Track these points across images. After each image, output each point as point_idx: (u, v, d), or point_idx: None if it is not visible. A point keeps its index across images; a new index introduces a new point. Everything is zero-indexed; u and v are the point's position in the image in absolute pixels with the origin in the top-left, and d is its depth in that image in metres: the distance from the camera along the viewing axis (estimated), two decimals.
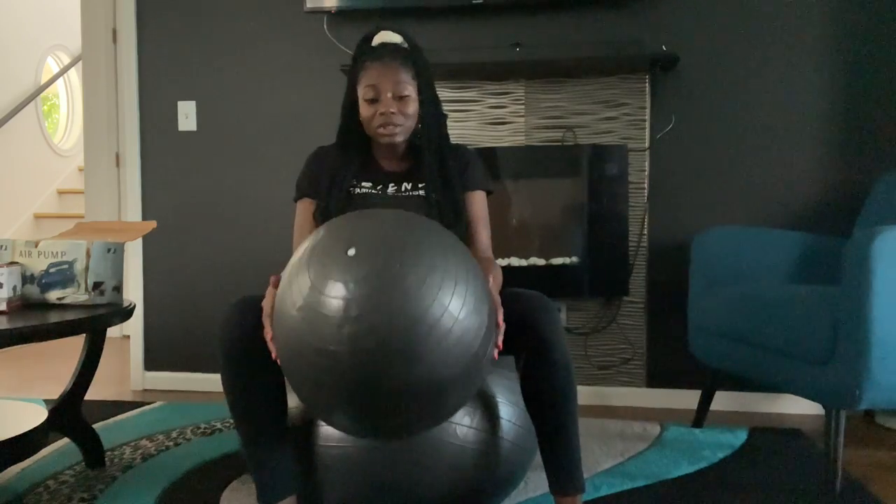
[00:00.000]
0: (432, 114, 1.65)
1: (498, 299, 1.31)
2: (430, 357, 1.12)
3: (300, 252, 1.22)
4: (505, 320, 1.32)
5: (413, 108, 1.59)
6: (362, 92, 1.59)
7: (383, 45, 1.61)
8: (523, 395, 1.48)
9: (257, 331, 1.36)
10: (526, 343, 1.40)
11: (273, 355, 1.27)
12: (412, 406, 1.15)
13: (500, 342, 1.28)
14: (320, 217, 1.62)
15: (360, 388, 1.13)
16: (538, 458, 1.72)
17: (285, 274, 1.22)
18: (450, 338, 1.12)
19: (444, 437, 1.45)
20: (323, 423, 1.47)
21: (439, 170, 1.64)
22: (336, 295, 1.10)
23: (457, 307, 1.13)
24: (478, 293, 1.20)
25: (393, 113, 1.56)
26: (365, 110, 1.60)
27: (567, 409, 1.44)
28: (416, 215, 1.27)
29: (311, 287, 1.13)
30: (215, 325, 2.92)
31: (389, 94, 1.56)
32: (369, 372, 1.10)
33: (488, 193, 1.73)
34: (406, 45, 1.62)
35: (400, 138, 1.60)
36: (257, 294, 1.46)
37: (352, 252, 1.12)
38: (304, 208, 1.68)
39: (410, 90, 1.58)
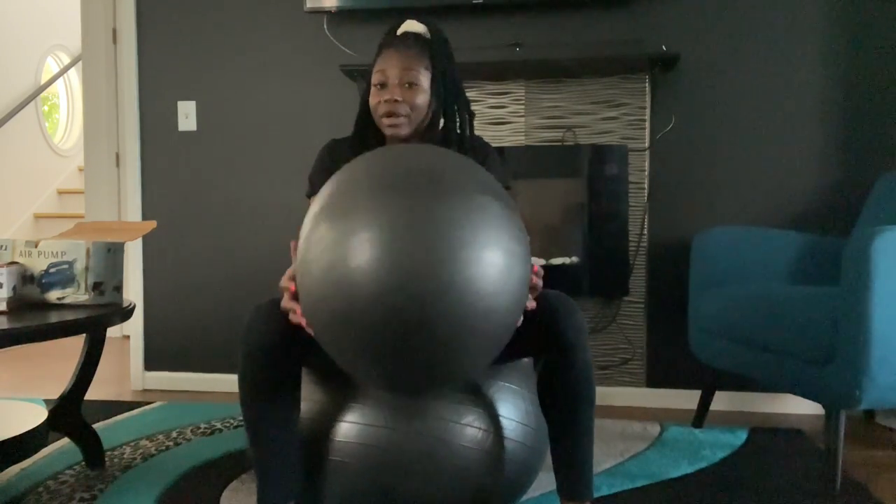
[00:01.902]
0: (452, 107, 1.58)
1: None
2: (464, 312, 1.06)
3: (319, 202, 1.16)
4: (527, 319, 1.28)
5: (422, 98, 1.51)
6: (373, 77, 1.52)
7: (404, 34, 1.54)
8: (540, 397, 1.45)
9: (279, 339, 1.33)
10: (547, 344, 1.36)
11: (301, 320, 1.25)
12: (441, 362, 1.11)
13: (532, 305, 1.26)
14: None
15: (388, 343, 1.08)
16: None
17: (304, 226, 1.16)
18: (486, 292, 1.08)
19: (453, 442, 1.43)
20: (333, 431, 1.46)
21: None
22: (363, 248, 1.06)
23: (498, 258, 1.09)
24: (517, 244, 1.15)
25: (398, 101, 1.49)
26: (373, 97, 1.53)
27: (584, 414, 1.40)
28: (446, 151, 1.20)
29: (334, 240, 1.08)
30: (220, 329, 2.93)
31: (396, 81, 1.49)
32: (401, 327, 1.06)
33: (506, 189, 1.67)
34: (428, 36, 1.55)
35: (404, 131, 1.52)
36: (267, 292, 1.44)
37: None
38: None
39: (421, 80, 1.50)
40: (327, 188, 1.18)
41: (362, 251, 1.06)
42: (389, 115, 1.51)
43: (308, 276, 1.14)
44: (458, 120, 1.59)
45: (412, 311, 1.06)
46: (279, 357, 1.34)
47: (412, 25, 1.56)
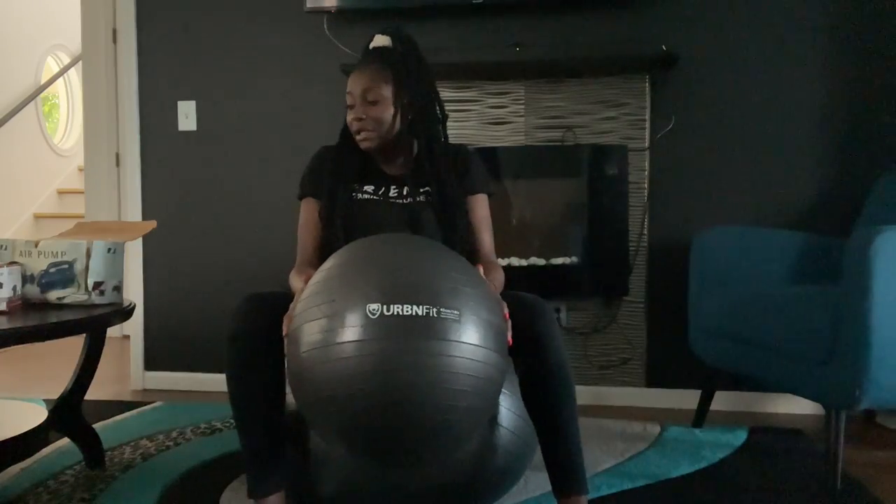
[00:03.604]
0: (423, 116, 1.64)
1: (504, 306, 1.33)
2: (452, 402, 1.12)
3: (315, 281, 1.22)
4: None
5: (387, 112, 1.60)
6: (347, 98, 1.64)
7: (370, 51, 1.65)
8: (523, 397, 1.48)
9: (265, 326, 1.38)
10: (522, 346, 1.40)
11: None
12: (432, 448, 1.16)
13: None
14: (324, 221, 1.64)
15: (375, 435, 1.13)
16: (540, 458, 1.71)
17: (301, 302, 1.22)
18: (473, 380, 1.13)
19: None
20: None
21: (439, 172, 1.64)
22: (347, 339, 1.11)
23: (479, 344, 1.14)
24: (495, 319, 1.20)
25: (362, 119, 1.60)
26: (347, 116, 1.64)
27: (566, 410, 1.44)
28: (421, 243, 1.27)
29: (325, 328, 1.14)
30: (220, 329, 2.92)
31: (360, 100, 1.60)
32: (385, 422, 1.11)
33: (489, 196, 1.73)
34: (391, 47, 1.64)
35: (371, 144, 1.62)
36: (267, 290, 1.48)
37: (374, 308, 1.12)
38: (309, 207, 1.69)
39: (381, 94, 1.59)
40: (322, 271, 1.24)
41: (347, 344, 1.11)
42: (358, 131, 1.62)
43: (295, 354, 1.19)
44: (430, 125, 1.66)
45: (394, 404, 1.10)
46: (263, 341, 1.38)
47: (379, 40, 1.66)
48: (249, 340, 1.39)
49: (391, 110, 1.60)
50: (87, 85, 3.98)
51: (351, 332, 1.11)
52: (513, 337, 1.38)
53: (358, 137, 1.62)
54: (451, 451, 1.22)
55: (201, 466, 2.00)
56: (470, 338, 1.14)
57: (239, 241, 2.92)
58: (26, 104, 5.18)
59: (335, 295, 1.16)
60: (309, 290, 1.23)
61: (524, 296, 1.46)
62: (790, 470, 1.98)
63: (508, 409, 1.54)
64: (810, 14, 2.57)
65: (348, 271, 1.20)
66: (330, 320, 1.14)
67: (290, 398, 1.51)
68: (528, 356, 1.42)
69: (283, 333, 1.28)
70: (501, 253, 2.65)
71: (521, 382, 1.47)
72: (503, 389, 1.56)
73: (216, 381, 2.92)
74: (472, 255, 1.65)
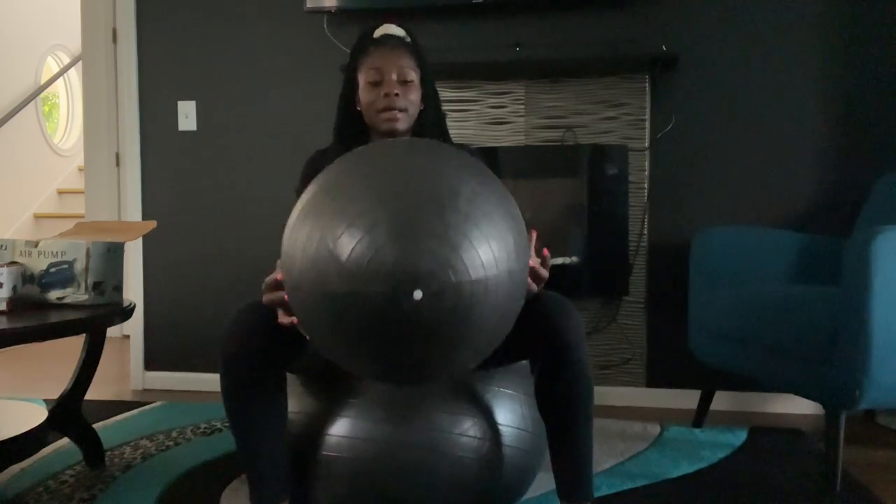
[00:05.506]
0: (433, 109, 1.62)
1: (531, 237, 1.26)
2: (459, 306, 1.03)
3: (305, 198, 1.15)
4: (523, 321, 1.27)
5: (415, 96, 1.55)
6: (365, 75, 1.55)
7: (387, 36, 1.58)
8: (537, 399, 1.44)
9: (262, 339, 1.31)
10: (544, 347, 1.35)
11: (284, 319, 1.22)
12: (436, 356, 1.08)
13: (542, 277, 1.28)
14: None
15: (380, 336, 1.05)
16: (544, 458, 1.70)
17: (288, 227, 1.14)
18: (484, 282, 1.05)
19: (448, 452, 1.42)
20: (325, 433, 1.45)
21: None
22: (353, 239, 1.03)
23: (492, 248, 1.06)
24: (513, 233, 1.11)
25: (397, 95, 1.51)
26: (367, 95, 1.55)
27: (582, 416, 1.39)
28: (425, 142, 1.19)
29: (321, 235, 1.06)
30: (220, 329, 2.92)
31: (394, 76, 1.52)
32: (392, 320, 1.03)
33: None
34: (408, 39, 1.59)
35: (402, 125, 1.55)
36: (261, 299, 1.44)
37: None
38: None
39: (414, 77, 1.54)
40: (314, 185, 1.15)
41: (351, 243, 1.03)
42: (388, 109, 1.52)
43: (294, 268, 1.10)
44: (438, 119, 1.64)
45: (404, 304, 1.02)
46: (260, 362, 1.32)
47: (391, 28, 1.59)
48: (245, 363, 1.31)
49: (419, 96, 1.56)
50: (87, 85, 3.98)
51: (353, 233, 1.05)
52: (534, 336, 1.33)
53: (385, 115, 1.53)
54: (467, 349, 1.12)
55: (201, 466, 2.00)
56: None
57: (239, 240, 2.92)
58: (26, 104, 5.18)
59: (339, 209, 1.08)
60: (299, 211, 1.15)
61: (549, 294, 1.39)
62: (790, 470, 1.98)
63: (518, 427, 1.50)
64: (810, 14, 2.57)
65: (345, 182, 1.11)
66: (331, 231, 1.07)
67: (291, 406, 1.50)
68: (550, 358, 1.36)
69: (280, 321, 1.22)
70: None
71: (537, 383, 1.42)
72: (509, 402, 1.54)
73: (216, 381, 2.92)
74: None
